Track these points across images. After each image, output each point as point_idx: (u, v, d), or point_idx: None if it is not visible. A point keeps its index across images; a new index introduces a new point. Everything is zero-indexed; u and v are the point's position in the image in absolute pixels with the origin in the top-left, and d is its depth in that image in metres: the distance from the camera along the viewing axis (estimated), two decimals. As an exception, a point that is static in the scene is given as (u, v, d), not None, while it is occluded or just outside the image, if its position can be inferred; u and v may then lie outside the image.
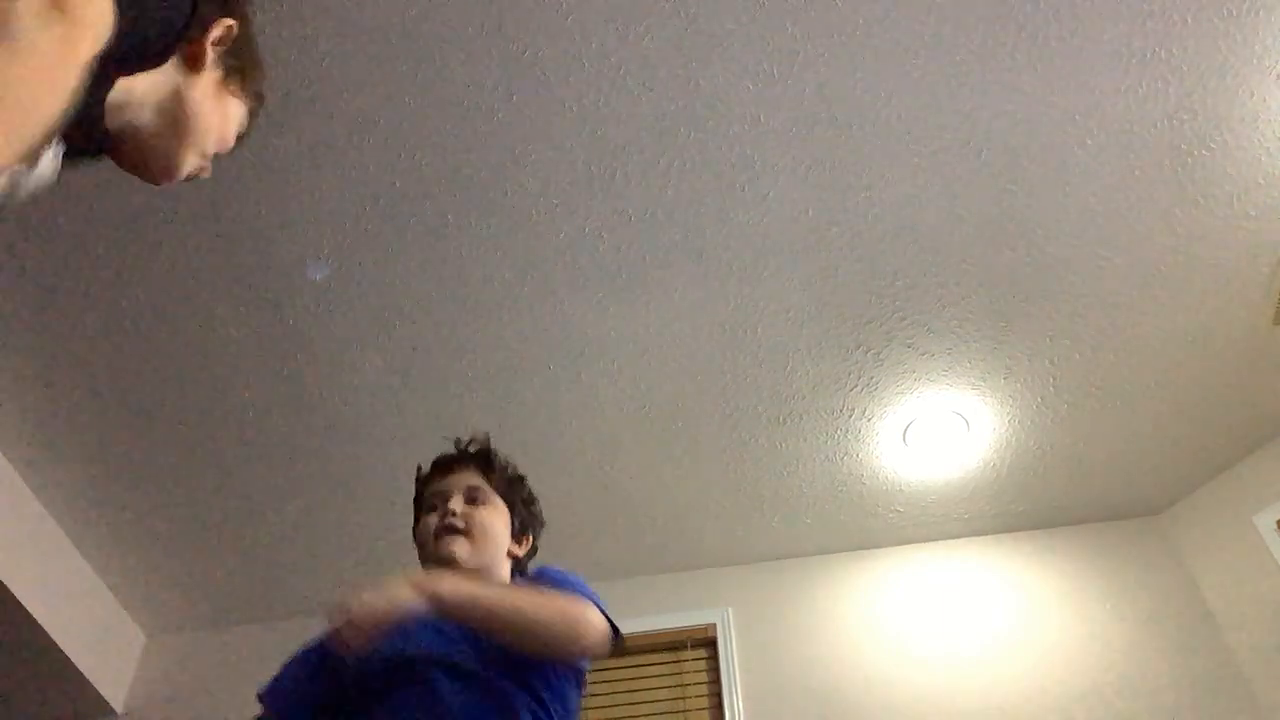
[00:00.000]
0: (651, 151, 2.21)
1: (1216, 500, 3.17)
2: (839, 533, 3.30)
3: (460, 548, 1.38)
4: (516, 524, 1.49)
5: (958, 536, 3.36)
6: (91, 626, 3.15)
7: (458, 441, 1.56)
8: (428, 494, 1.50)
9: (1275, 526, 2.93)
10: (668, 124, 2.16)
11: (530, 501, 1.55)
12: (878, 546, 3.37)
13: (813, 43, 2.03)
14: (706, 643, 3.21)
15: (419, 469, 1.57)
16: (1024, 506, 3.26)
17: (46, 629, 2.88)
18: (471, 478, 1.48)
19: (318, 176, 2.21)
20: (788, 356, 2.69)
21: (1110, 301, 2.58)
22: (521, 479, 1.56)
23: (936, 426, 2.90)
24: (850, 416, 2.88)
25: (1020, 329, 2.65)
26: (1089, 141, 2.23)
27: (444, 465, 1.51)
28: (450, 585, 1.16)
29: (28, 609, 2.80)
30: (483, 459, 1.51)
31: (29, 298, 2.40)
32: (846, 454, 3.00)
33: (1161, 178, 2.30)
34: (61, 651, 2.95)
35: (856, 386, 2.79)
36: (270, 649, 3.39)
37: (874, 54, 2.06)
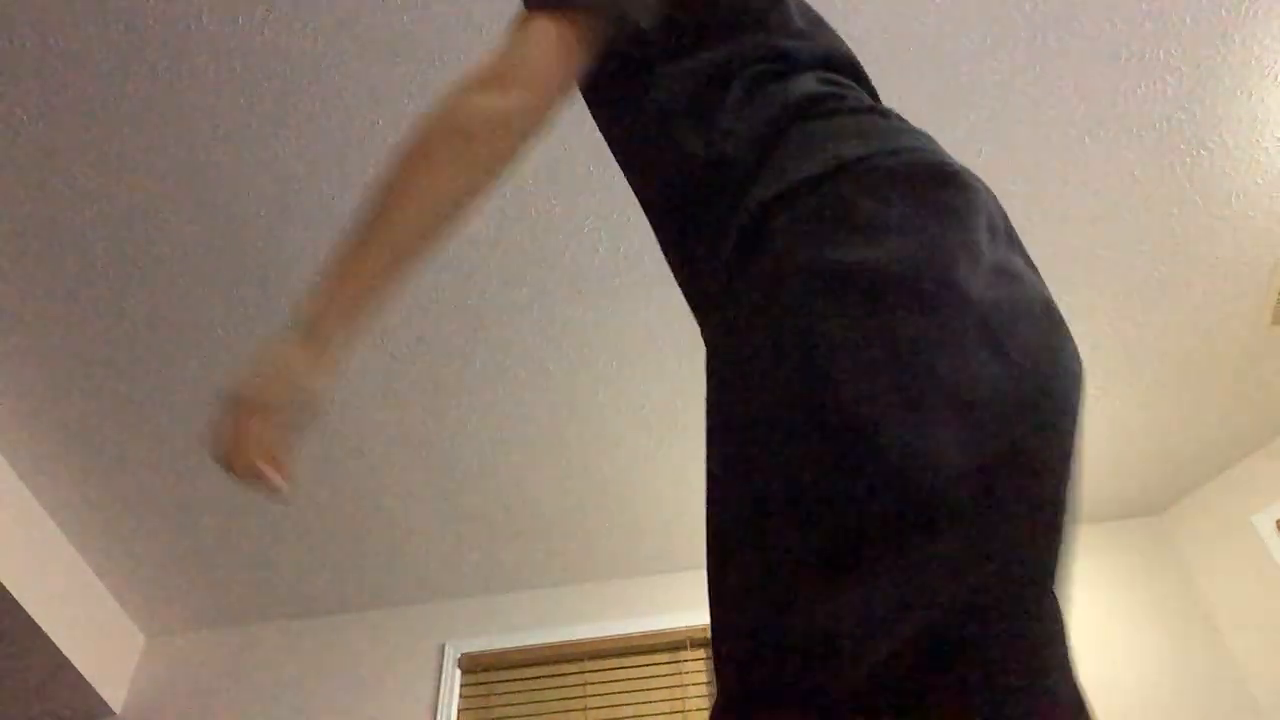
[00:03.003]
0: (651, 152, 2.21)
1: (1216, 500, 3.17)
2: (839, 533, 3.30)
3: None
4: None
5: (957, 537, 3.36)
6: (91, 626, 3.15)
7: None
8: None
9: (1275, 526, 2.94)
10: (667, 124, 2.16)
11: None
12: (877, 547, 3.37)
13: (812, 43, 2.03)
14: (706, 643, 3.20)
15: None
16: (1024, 507, 3.26)
17: (46, 629, 2.88)
18: None
19: (317, 176, 2.21)
20: (787, 357, 2.69)
21: (1110, 301, 2.58)
22: None
23: (936, 427, 2.90)
24: (850, 417, 2.88)
25: (1020, 329, 2.64)
26: (1088, 141, 2.23)
27: None
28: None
29: (27, 609, 2.81)
30: None
31: (29, 298, 2.40)
32: (846, 454, 2.99)
33: (1160, 178, 2.30)
34: (61, 652, 2.95)
35: (856, 387, 2.78)
36: (270, 649, 3.43)
37: (874, 54, 2.06)
